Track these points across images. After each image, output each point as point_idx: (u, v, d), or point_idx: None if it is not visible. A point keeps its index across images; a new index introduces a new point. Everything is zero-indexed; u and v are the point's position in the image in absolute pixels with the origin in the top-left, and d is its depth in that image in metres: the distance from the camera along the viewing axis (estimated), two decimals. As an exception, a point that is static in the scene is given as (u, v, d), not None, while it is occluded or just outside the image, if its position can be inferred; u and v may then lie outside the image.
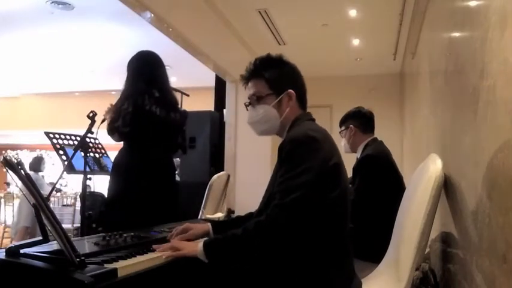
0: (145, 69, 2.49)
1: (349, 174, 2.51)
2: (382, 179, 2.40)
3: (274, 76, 1.56)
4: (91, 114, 2.36)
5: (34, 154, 13.96)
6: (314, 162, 1.35)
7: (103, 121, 2.43)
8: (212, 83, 6.42)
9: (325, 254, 1.36)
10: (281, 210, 1.31)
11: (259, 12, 4.43)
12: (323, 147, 1.38)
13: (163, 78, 2.56)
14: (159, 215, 2.25)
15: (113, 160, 2.53)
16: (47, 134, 2.56)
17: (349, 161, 2.60)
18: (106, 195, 2.50)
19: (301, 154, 1.36)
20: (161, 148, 2.51)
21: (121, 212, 2.30)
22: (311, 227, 1.35)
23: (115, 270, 1.09)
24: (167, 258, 1.35)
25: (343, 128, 2.72)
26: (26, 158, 13.37)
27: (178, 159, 5.19)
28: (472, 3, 1.37)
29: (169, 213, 2.39)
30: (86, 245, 1.37)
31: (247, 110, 1.63)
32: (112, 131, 2.34)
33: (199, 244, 1.37)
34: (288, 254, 1.35)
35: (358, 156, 2.63)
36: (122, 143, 2.51)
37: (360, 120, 2.66)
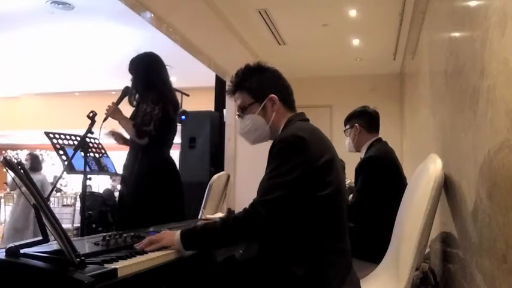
0: (160, 73, 2.57)
1: (352, 173, 2.54)
2: (384, 181, 2.39)
3: (254, 84, 1.59)
4: (91, 114, 2.36)
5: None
6: (300, 161, 1.37)
7: (105, 119, 2.44)
8: (212, 83, 6.41)
9: (316, 252, 1.36)
10: (259, 207, 1.34)
11: (259, 12, 4.44)
12: (311, 146, 1.39)
13: (169, 80, 2.65)
14: (173, 214, 2.37)
15: (118, 161, 2.58)
16: (47, 134, 2.56)
17: (352, 160, 2.61)
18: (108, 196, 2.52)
19: (287, 154, 1.39)
20: (169, 148, 2.62)
21: (144, 212, 2.34)
22: (300, 224, 1.37)
23: (115, 270, 1.09)
24: (166, 258, 1.35)
25: (348, 126, 2.71)
26: (26, 158, 13.37)
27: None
28: (472, 3, 1.37)
29: (179, 211, 2.51)
30: (86, 245, 1.37)
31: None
32: (143, 133, 2.41)
33: (176, 234, 1.40)
34: (277, 251, 1.37)
35: (362, 156, 2.62)
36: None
37: (365, 120, 2.65)
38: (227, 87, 1.68)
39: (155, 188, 2.43)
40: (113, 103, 2.50)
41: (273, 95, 1.57)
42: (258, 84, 1.59)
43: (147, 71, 2.54)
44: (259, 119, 1.58)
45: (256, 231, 1.36)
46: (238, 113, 1.65)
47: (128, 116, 2.53)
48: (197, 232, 1.42)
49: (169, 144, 2.59)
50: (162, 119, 2.44)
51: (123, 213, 2.51)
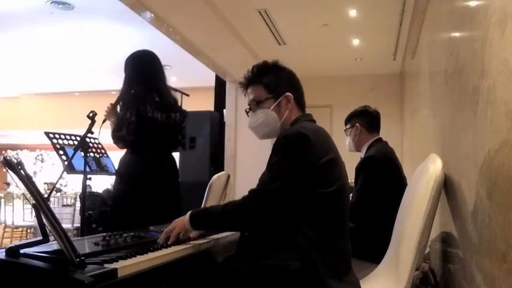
0: (143, 72, 2.47)
1: (352, 173, 2.54)
2: (384, 180, 2.39)
3: (272, 80, 1.61)
4: (91, 114, 2.36)
5: (34, 154, 13.98)
6: (301, 158, 1.39)
7: (104, 121, 2.43)
8: (212, 83, 6.41)
9: (313, 249, 1.36)
10: (255, 196, 1.40)
11: (259, 12, 4.43)
12: (314, 144, 1.41)
13: (160, 78, 2.53)
14: (164, 217, 2.28)
15: (117, 161, 2.55)
16: (47, 134, 2.56)
17: (352, 160, 2.61)
18: (108, 196, 2.52)
19: (289, 149, 1.42)
20: (163, 150, 2.54)
21: (127, 215, 2.32)
22: (298, 219, 1.38)
23: (115, 270, 1.09)
24: (166, 258, 1.35)
25: (348, 126, 2.70)
26: (26, 158, 13.40)
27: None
28: (472, 3, 1.37)
29: (173, 213, 2.40)
30: (86, 245, 1.37)
31: (248, 116, 1.68)
32: (117, 140, 2.38)
33: (186, 215, 1.51)
34: (273, 245, 1.38)
35: (362, 156, 2.62)
36: None
37: (366, 119, 2.65)
38: (241, 79, 1.68)
39: (136, 192, 2.38)
40: (111, 104, 2.49)
41: (289, 93, 1.59)
42: (275, 80, 1.61)
43: (131, 72, 2.48)
44: (273, 114, 1.59)
45: (252, 220, 1.41)
46: (249, 106, 1.66)
47: None
48: (202, 214, 1.53)
49: (158, 146, 2.49)
50: (139, 122, 2.35)
51: (112, 216, 2.49)
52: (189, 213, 1.51)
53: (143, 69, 2.49)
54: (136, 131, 2.34)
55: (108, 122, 2.48)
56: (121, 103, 2.43)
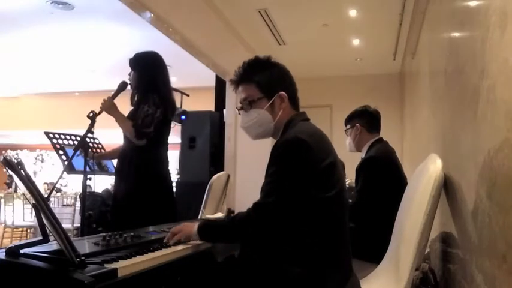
0: (162, 74, 2.57)
1: (353, 174, 2.54)
2: (384, 181, 2.39)
3: (265, 79, 1.56)
4: (91, 114, 2.36)
5: (34, 154, 13.97)
6: (301, 165, 1.37)
7: (99, 113, 2.41)
8: (212, 83, 6.41)
9: (320, 253, 1.37)
10: (260, 209, 1.39)
11: (259, 12, 4.44)
12: (313, 149, 1.39)
13: (169, 81, 2.64)
14: (167, 214, 2.41)
15: (117, 162, 2.58)
16: (47, 134, 2.56)
17: (352, 160, 2.61)
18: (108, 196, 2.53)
19: (288, 157, 1.39)
20: (165, 148, 2.62)
21: (144, 211, 2.36)
22: (302, 225, 1.37)
23: (115, 270, 1.09)
24: (166, 258, 1.35)
25: (348, 126, 2.70)
26: (26, 158, 13.39)
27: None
28: (472, 3, 1.37)
29: (174, 210, 2.56)
30: (86, 245, 1.37)
31: (239, 114, 1.63)
32: (142, 135, 2.41)
33: (195, 226, 1.50)
34: (280, 251, 1.38)
35: (363, 156, 2.62)
36: (120, 142, 2.56)
37: (366, 119, 2.64)
38: (232, 77, 1.63)
39: (150, 189, 2.43)
40: (108, 97, 2.47)
41: (282, 93, 1.55)
42: (268, 79, 1.56)
43: (151, 71, 2.52)
44: (266, 115, 1.55)
45: (258, 233, 1.40)
46: (241, 105, 1.60)
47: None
48: (211, 227, 1.53)
49: (164, 144, 2.60)
50: (161, 122, 2.45)
51: (119, 214, 2.49)
52: (197, 225, 1.50)
53: (163, 71, 2.59)
54: (158, 130, 2.45)
55: (105, 123, 2.49)
56: (146, 101, 2.46)
